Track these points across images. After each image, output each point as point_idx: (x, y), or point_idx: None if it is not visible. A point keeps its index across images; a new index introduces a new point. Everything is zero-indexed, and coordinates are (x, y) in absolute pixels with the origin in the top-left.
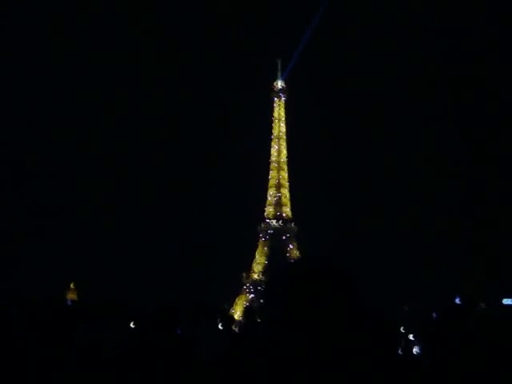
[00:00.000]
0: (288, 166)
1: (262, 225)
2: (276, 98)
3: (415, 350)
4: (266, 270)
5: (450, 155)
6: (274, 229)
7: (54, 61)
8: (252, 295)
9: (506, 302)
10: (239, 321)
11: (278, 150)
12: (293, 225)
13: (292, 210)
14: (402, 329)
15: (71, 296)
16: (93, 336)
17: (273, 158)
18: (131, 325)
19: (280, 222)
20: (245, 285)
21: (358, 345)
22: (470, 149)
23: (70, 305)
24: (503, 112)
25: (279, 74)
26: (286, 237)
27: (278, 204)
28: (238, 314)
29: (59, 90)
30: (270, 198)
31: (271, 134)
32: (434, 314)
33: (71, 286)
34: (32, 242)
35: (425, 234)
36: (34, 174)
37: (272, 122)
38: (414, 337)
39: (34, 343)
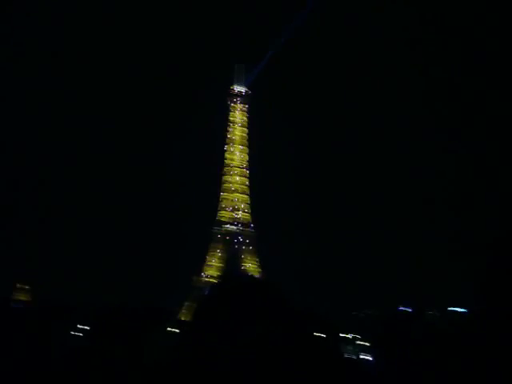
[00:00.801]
0: (247, 170)
1: (218, 228)
2: (232, 102)
3: (362, 355)
4: (218, 274)
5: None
6: (229, 233)
7: (53, 61)
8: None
9: (451, 309)
10: (188, 322)
11: (236, 155)
12: (251, 230)
13: (249, 214)
14: (350, 334)
15: (23, 297)
16: (38, 339)
17: (229, 162)
18: (80, 327)
19: (235, 226)
20: (196, 287)
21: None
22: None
23: (17, 307)
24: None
25: (239, 78)
26: (241, 241)
27: (233, 208)
28: (187, 316)
29: (59, 90)
30: (224, 202)
31: (230, 138)
32: (385, 320)
33: (23, 286)
34: None
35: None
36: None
37: (229, 126)
38: (360, 341)
39: None
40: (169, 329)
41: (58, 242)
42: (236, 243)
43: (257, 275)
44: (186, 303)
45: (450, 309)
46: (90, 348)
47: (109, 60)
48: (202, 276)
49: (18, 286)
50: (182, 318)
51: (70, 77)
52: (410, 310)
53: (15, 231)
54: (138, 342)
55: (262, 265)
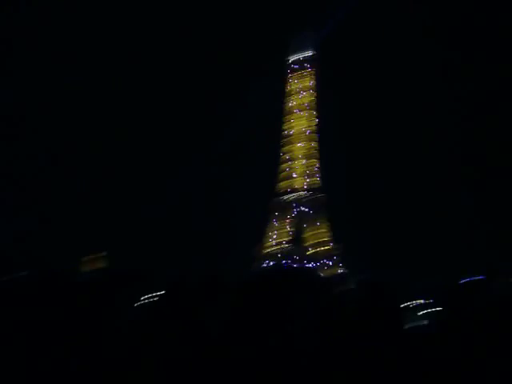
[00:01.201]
0: (315, 135)
1: (287, 196)
2: (293, 69)
3: (425, 322)
4: (286, 242)
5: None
6: (294, 201)
7: (53, 60)
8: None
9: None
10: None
11: (303, 121)
12: (321, 195)
13: (319, 180)
14: (416, 302)
15: (99, 265)
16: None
17: (295, 128)
18: (146, 297)
19: (301, 193)
20: (260, 257)
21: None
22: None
23: (91, 275)
24: None
25: (302, 45)
26: (312, 207)
27: (306, 174)
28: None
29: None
30: (289, 170)
31: (296, 105)
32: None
33: (97, 255)
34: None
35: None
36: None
37: (293, 92)
38: (426, 308)
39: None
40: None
41: (125, 209)
42: (301, 211)
43: (323, 241)
44: (250, 273)
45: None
46: (155, 316)
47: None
48: (266, 246)
49: (92, 256)
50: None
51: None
52: (477, 278)
53: (92, 196)
54: (198, 313)
55: (330, 232)
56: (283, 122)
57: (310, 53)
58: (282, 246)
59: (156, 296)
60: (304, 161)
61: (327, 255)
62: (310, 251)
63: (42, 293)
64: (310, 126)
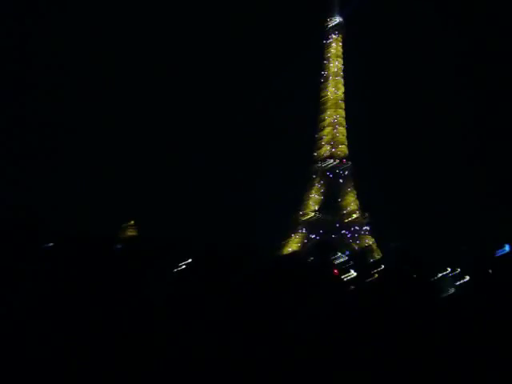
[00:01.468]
0: (343, 103)
1: (318, 163)
2: (328, 35)
3: (451, 289)
4: (321, 209)
5: None
6: (327, 168)
7: (53, 60)
8: (307, 233)
9: None
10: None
11: (334, 88)
12: (349, 163)
13: (348, 148)
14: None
15: (131, 232)
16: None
17: (326, 96)
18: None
19: (336, 161)
20: (301, 223)
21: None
22: None
23: (121, 246)
24: None
25: (335, 9)
26: (340, 176)
27: (333, 143)
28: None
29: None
30: (326, 137)
31: (327, 71)
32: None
33: (131, 222)
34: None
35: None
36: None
37: (326, 59)
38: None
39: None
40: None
41: (158, 180)
42: (334, 178)
43: (354, 208)
44: (288, 240)
45: None
46: (183, 286)
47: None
48: (306, 211)
49: (124, 224)
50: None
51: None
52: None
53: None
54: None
55: (360, 199)
56: (319, 89)
57: (337, 20)
58: (315, 214)
59: (185, 265)
60: (332, 128)
61: (357, 224)
62: (341, 219)
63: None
64: (337, 94)
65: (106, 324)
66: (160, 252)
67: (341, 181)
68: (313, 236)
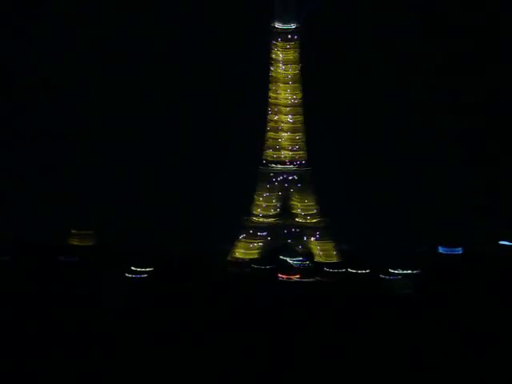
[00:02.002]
0: (302, 109)
1: (274, 167)
2: (276, 40)
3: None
4: (279, 213)
5: None
6: (277, 171)
7: (53, 60)
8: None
9: (502, 243)
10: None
11: (292, 93)
12: (307, 168)
13: (305, 152)
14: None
15: (86, 242)
16: (92, 286)
17: (279, 101)
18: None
19: (293, 165)
20: (253, 227)
21: None
22: None
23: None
24: None
25: (291, 14)
26: (299, 179)
27: (292, 147)
28: (238, 254)
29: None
30: (274, 141)
31: (285, 76)
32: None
33: (86, 232)
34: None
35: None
36: None
37: (274, 64)
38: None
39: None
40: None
41: (108, 189)
42: (285, 182)
43: (308, 213)
44: (237, 243)
45: (501, 242)
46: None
47: None
48: (251, 216)
49: (75, 232)
50: (234, 256)
51: None
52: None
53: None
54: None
55: (316, 204)
56: (269, 91)
57: (294, 25)
58: (269, 218)
59: (143, 273)
60: (289, 133)
61: (314, 228)
62: (300, 224)
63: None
64: (294, 99)
65: (57, 330)
66: (113, 259)
67: (299, 185)
68: (270, 240)
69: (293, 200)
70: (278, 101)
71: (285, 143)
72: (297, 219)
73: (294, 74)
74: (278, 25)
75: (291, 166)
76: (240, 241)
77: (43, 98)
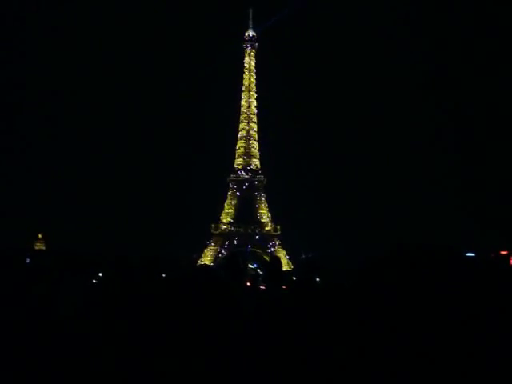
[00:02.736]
0: (257, 117)
1: (231, 176)
2: (246, 48)
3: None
4: (234, 221)
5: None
6: (243, 180)
7: (53, 60)
8: (219, 246)
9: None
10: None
11: (248, 102)
12: (261, 176)
13: (261, 161)
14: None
15: (39, 246)
16: (49, 291)
17: (242, 110)
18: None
19: (248, 174)
20: (214, 235)
21: None
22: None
23: (28, 262)
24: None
25: (250, 23)
26: (254, 188)
27: (247, 155)
28: (206, 263)
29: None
30: (239, 150)
31: (242, 85)
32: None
33: (39, 236)
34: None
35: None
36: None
37: (243, 72)
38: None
39: None
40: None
41: (70, 190)
42: (248, 190)
43: (266, 221)
44: (206, 250)
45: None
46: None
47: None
48: (220, 223)
49: (39, 236)
50: (202, 262)
51: None
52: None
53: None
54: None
55: (272, 212)
56: (234, 102)
57: (251, 33)
58: (228, 226)
59: (96, 279)
60: (245, 141)
61: (269, 236)
62: (253, 232)
63: None
64: (250, 107)
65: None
66: (70, 265)
67: (253, 193)
68: (225, 248)
69: (248, 207)
70: (242, 108)
71: (239, 152)
72: (257, 227)
73: (250, 82)
74: (249, 32)
75: (248, 174)
76: (207, 248)
77: None
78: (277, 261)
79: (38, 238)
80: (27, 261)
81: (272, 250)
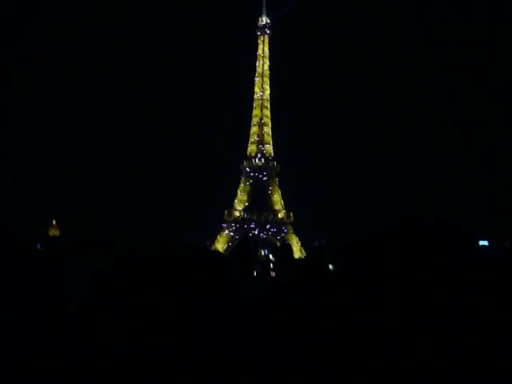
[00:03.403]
0: (271, 103)
1: (245, 163)
2: (260, 35)
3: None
4: (247, 208)
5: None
6: (256, 167)
7: (54, 60)
8: (232, 232)
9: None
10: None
11: (262, 88)
12: (275, 163)
13: (274, 148)
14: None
15: (53, 232)
16: (57, 279)
17: (256, 96)
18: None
19: (262, 160)
20: (227, 222)
21: None
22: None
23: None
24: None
25: (264, 9)
26: (268, 175)
27: (261, 142)
28: (219, 249)
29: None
30: (252, 136)
31: (255, 71)
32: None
33: (53, 222)
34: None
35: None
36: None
37: (256, 59)
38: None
39: None
40: None
41: (86, 175)
42: (262, 177)
43: (279, 208)
44: (219, 236)
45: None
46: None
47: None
48: (233, 210)
49: (53, 223)
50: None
51: None
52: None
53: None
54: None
55: (285, 199)
56: (248, 89)
57: (264, 20)
58: (241, 213)
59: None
60: (258, 128)
61: (282, 223)
62: (266, 218)
63: None
64: (263, 94)
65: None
66: (83, 251)
67: (266, 180)
68: (238, 235)
69: (263, 195)
70: (256, 94)
71: (252, 138)
72: (270, 214)
73: (264, 69)
74: (264, 18)
75: (261, 161)
76: (220, 235)
77: None
78: (287, 247)
79: (52, 225)
80: (38, 247)
81: (284, 236)
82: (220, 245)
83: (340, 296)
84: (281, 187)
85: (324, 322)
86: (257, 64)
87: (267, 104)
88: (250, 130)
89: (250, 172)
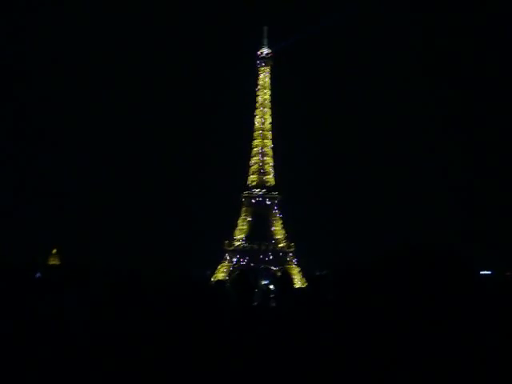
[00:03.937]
0: (272, 134)
1: (245, 192)
2: (261, 66)
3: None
4: (248, 237)
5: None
6: (257, 196)
7: (54, 61)
8: (233, 262)
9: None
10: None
11: (262, 118)
12: (275, 193)
13: (275, 178)
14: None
15: (53, 261)
16: (57, 306)
17: (257, 126)
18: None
19: (263, 190)
20: (227, 252)
21: None
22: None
23: (39, 276)
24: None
25: (265, 41)
26: (269, 205)
27: (261, 172)
28: (219, 279)
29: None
30: (253, 166)
31: (256, 101)
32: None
33: (53, 251)
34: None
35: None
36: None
37: (257, 89)
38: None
39: None
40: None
41: (83, 204)
42: (263, 207)
43: (280, 237)
44: (219, 266)
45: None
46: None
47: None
48: (233, 240)
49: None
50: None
51: None
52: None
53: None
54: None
55: (286, 228)
56: (254, 116)
57: (266, 51)
58: (242, 243)
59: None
60: (259, 158)
61: (283, 253)
62: (267, 248)
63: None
64: (264, 124)
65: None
66: (84, 279)
67: (267, 210)
68: (239, 264)
69: (262, 224)
70: (257, 125)
71: (254, 168)
72: (270, 244)
73: (265, 99)
74: (264, 49)
75: (263, 190)
76: (221, 264)
77: None
78: (287, 276)
79: (52, 253)
80: (38, 275)
81: (284, 265)
82: (221, 274)
83: (338, 325)
84: (282, 217)
85: (321, 352)
86: (257, 94)
87: (268, 134)
88: (250, 159)
89: (250, 201)
